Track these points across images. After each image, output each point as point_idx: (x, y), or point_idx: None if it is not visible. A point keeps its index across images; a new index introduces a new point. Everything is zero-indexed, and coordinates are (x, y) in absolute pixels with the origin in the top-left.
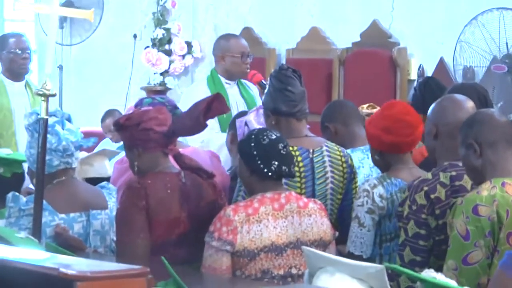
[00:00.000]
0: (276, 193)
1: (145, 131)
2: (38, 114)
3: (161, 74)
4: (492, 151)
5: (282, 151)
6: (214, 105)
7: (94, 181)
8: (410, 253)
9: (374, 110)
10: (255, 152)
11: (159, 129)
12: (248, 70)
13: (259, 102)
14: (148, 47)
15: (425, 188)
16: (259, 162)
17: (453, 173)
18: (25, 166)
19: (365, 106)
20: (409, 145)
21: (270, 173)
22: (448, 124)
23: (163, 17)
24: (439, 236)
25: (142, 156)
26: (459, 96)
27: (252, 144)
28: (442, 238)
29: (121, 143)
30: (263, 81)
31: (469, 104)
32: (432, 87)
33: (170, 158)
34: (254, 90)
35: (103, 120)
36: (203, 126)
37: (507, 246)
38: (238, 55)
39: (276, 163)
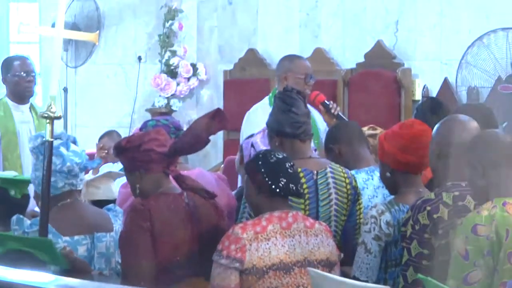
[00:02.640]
0: (283, 212)
1: (146, 152)
2: (43, 137)
3: (166, 96)
4: (495, 172)
5: (289, 170)
6: (216, 120)
7: (101, 203)
8: (413, 273)
9: (377, 131)
10: (262, 170)
11: (160, 150)
12: (309, 92)
13: (320, 125)
14: (164, 72)
15: (428, 208)
16: (267, 179)
17: (456, 193)
18: (31, 189)
19: (365, 128)
20: (424, 166)
21: (278, 190)
22: (451, 144)
23: (169, 40)
24: (443, 256)
25: (144, 178)
26: (463, 117)
27: (260, 163)
28: (445, 259)
29: (119, 163)
30: (326, 101)
31: (473, 124)
32: (434, 108)
33: (172, 179)
34: (315, 114)
35: (100, 139)
36: (205, 143)
37: (508, 266)
38: (302, 76)
39: (284, 180)
